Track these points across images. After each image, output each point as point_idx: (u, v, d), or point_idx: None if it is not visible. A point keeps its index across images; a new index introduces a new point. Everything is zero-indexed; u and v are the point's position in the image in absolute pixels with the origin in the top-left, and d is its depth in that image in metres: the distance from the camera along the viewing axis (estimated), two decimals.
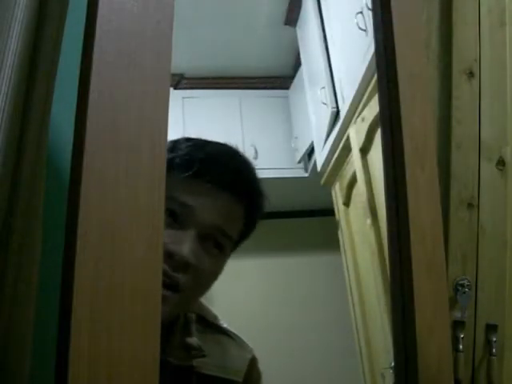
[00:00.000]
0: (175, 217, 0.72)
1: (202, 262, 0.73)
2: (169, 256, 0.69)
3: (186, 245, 0.71)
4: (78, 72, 0.55)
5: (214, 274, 0.77)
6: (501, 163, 0.98)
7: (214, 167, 0.76)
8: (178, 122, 2.73)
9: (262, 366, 0.89)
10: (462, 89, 0.99)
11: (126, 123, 0.53)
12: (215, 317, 0.87)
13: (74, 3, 0.67)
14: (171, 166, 0.74)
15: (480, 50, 1.01)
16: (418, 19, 0.79)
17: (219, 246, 0.76)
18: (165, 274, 0.68)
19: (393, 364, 0.73)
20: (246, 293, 2.95)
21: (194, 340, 0.80)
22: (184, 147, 0.77)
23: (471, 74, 1.00)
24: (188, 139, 0.81)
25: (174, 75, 2.87)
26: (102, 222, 0.50)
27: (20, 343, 0.56)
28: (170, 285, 0.70)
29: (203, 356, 0.79)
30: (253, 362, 0.88)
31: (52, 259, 0.60)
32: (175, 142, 0.79)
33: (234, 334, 0.88)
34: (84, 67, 0.54)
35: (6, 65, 0.55)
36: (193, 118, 2.83)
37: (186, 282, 0.71)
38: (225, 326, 0.87)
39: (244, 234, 0.80)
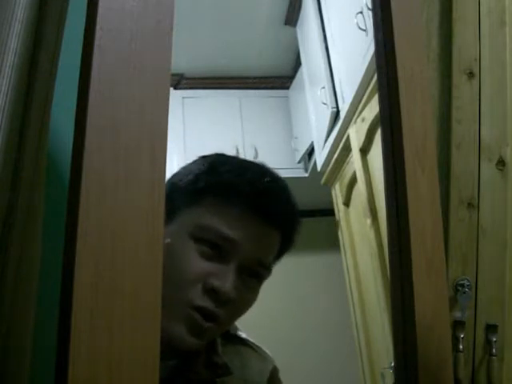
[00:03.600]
0: (217, 249, 0.71)
1: (241, 295, 0.72)
2: (212, 291, 0.69)
3: (228, 280, 0.70)
4: (78, 72, 0.55)
5: (250, 303, 0.76)
6: (501, 163, 0.98)
7: (257, 197, 0.73)
8: (177, 122, 2.73)
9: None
10: (462, 89, 0.99)
11: (126, 123, 0.53)
12: (236, 328, 0.87)
13: (74, 3, 0.67)
14: (210, 190, 0.73)
15: (480, 50, 1.01)
16: (418, 19, 0.79)
17: (257, 276, 0.75)
18: (207, 309, 0.69)
19: (393, 364, 0.73)
20: None
21: (220, 358, 0.79)
22: (224, 171, 0.75)
23: (471, 74, 1.00)
24: (224, 160, 0.78)
25: (173, 75, 2.86)
26: (102, 223, 0.50)
27: (20, 344, 0.56)
28: (210, 317, 0.70)
29: (229, 374, 0.78)
30: (273, 373, 0.88)
31: (52, 259, 0.60)
32: (212, 163, 0.77)
33: (254, 344, 0.87)
34: (84, 67, 0.54)
35: (5, 64, 0.55)
36: (193, 118, 2.83)
37: (224, 314, 0.71)
38: (244, 336, 0.87)
39: (278, 257, 0.80)
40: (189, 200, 0.73)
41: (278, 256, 0.79)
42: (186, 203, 0.73)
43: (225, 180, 0.73)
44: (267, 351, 0.89)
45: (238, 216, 0.72)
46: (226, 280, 0.70)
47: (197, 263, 0.70)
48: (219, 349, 0.80)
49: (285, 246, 0.79)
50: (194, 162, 0.80)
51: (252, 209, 0.72)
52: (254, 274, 0.74)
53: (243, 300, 0.74)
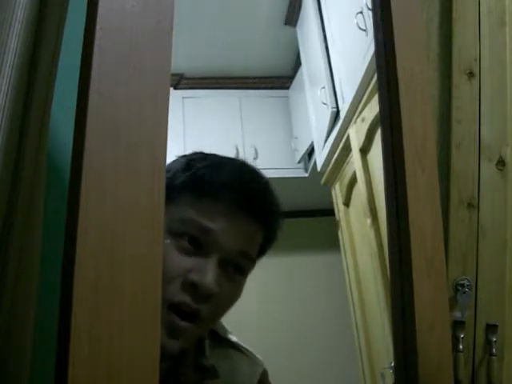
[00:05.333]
0: (197, 243, 0.69)
1: (224, 289, 0.70)
2: (191, 286, 0.67)
3: (209, 274, 0.67)
4: (78, 72, 0.55)
5: (234, 299, 0.74)
6: (501, 163, 0.98)
7: (236, 190, 0.72)
8: (177, 122, 2.73)
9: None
10: (462, 89, 0.99)
11: (126, 123, 0.53)
12: (226, 331, 0.85)
13: (74, 3, 0.67)
14: (187, 186, 0.71)
15: (480, 50, 1.01)
16: (418, 19, 0.79)
17: (240, 269, 0.73)
18: (186, 305, 0.67)
19: (393, 364, 0.73)
20: (245, 292, 2.94)
21: (207, 361, 0.77)
22: (201, 167, 0.73)
23: (471, 74, 1.00)
24: (203, 157, 0.77)
25: (173, 75, 2.86)
26: (102, 222, 0.50)
27: (20, 343, 0.56)
28: (190, 315, 0.68)
29: (217, 377, 0.77)
30: (263, 376, 0.86)
31: (52, 259, 0.60)
32: (190, 160, 0.76)
33: (244, 348, 0.86)
34: (84, 67, 0.54)
35: (5, 64, 0.55)
36: (193, 118, 2.83)
37: (206, 311, 0.69)
38: (235, 339, 0.86)
39: (262, 251, 0.78)
40: (167, 197, 0.71)
41: (261, 251, 0.77)
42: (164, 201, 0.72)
43: (202, 175, 0.72)
44: (257, 355, 0.88)
45: (217, 209, 0.70)
46: (206, 274, 0.67)
47: (175, 259, 0.68)
48: (207, 351, 0.78)
49: (267, 240, 0.77)
50: (174, 161, 0.78)
51: (231, 202, 0.71)
52: (237, 267, 0.72)
53: (226, 294, 0.71)
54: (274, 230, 0.78)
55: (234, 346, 0.85)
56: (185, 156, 0.79)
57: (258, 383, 0.85)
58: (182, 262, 0.68)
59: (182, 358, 0.74)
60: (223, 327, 0.85)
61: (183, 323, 0.67)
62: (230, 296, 0.73)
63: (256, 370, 0.86)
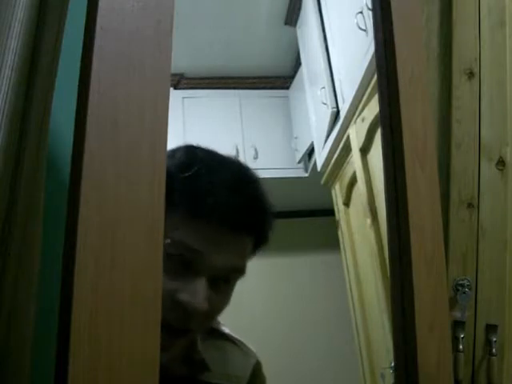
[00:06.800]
0: (184, 264, 0.67)
1: (214, 302, 0.69)
2: (180, 307, 0.66)
3: (199, 294, 0.66)
4: (78, 72, 0.55)
5: (225, 306, 0.74)
6: (501, 163, 0.98)
7: (226, 209, 0.68)
8: (178, 122, 2.73)
9: (262, 365, 0.89)
10: (462, 89, 0.99)
11: (126, 123, 0.53)
12: (218, 322, 0.85)
13: (74, 3, 0.67)
14: (174, 206, 0.65)
15: (480, 50, 1.01)
16: (418, 19, 0.79)
17: (230, 281, 0.72)
18: (176, 321, 0.66)
19: (393, 364, 0.73)
20: (245, 292, 2.94)
21: (198, 355, 0.77)
22: (187, 183, 0.68)
23: (471, 74, 1.00)
24: (189, 165, 0.70)
25: (173, 75, 2.87)
26: (102, 222, 0.50)
27: (20, 343, 0.56)
28: (178, 331, 0.67)
29: (207, 371, 0.77)
30: (256, 367, 0.86)
31: (52, 259, 0.60)
32: (176, 167, 0.69)
33: (237, 339, 0.86)
34: (84, 67, 0.54)
35: (5, 65, 0.55)
36: (193, 118, 2.83)
37: (197, 325, 0.69)
38: (227, 331, 0.85)
39: (253, 253, 0.76)
40: None
41: (253, 252, 0.76)
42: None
43: (189, 199, 0.68)
44: (250, 346, 0.88)
45: (207, 229, 0.68)
46: (196, 294, 0.66)
47: (164, 279, 0.67)
48: (198, 345, 0.78)
49: (259, 244, 0.76)
50: None
51: (221, 221, 0.68)
52: (227, 280, 0.72)
53: (216, 306, 0.71)
54: (265, 235, 0.76)
55: (226, 338, 0.85)
56: (172, 153, 0.73)
57: (251, 375, 0.85)
58: (171, 282, 0.66)
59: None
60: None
61: (173, 339, 0.67)
62: (220, 306, 0.73)
63: (249, 362, 0.86)
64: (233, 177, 0.74)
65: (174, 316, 0.66)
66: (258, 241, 0.75)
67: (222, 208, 0.68)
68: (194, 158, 0.73)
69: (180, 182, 0.68)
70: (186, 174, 0.69)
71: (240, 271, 0.73)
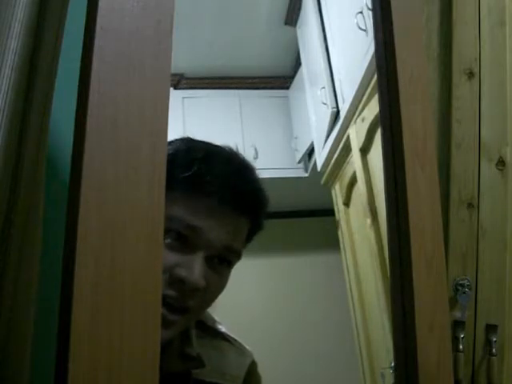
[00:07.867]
0: (182, 239, 0.69)
1: (210, 282, 0.71)
2: (178, 282, 0.67)
3: (195, 270, 0.68)
4: (78, 72, 0.55)
5: (221, 290, 0.75)
6: (501, 163, 0.98)
7: (223, 187, 0.71)
8: (177, 122, 2.73)
9: (262, 365, 0.89)
10: (462, 89, 0.99)
11: (126, 123, 0.53)
12: (214, 321, 0.86)
13: (74, 3, 0.67)
14: (173, 184, 0.68)
15: (480, 50, 1.01)
16: (418, 19, 0.79)
17: (226, 261, 0.74)
18: (173, 299, 0.68)
19: (393, 364, 0.73)
20: (245, 292, 2.95)
21: (193, 350, 0.78)
22: (186, 162, 0.72)
23: (471, 74, 1.00)
24: (188, 149, 0.75)
25: (173, 75, 2.87)
26: (102, 222, 0.50)
27: (20, 343, 0.56)
28: (178, 309, 0.69)
29: (202, 366, 0.77)
30: (252, 366, 0.87)
31: (52, 259, 0.60)
32: (175, 152, 0.73)
33: (233, 338, 0.87)
34: (84, 67, 0.54)
35: (5, 65, 0.55)
36: (193, 118, 2.83)
37: (194, 304, 0.70)
38: (223, 330, 0.86)
39: (248, 239, 0.78)
40: None
41: (248, 239, 0.78)
42: None
43: (189, 175, 0.71)
44: (246, 345, 0.88)
45: (205, 206, 0.70)
46: (193, 270, 0.68)
47: (163, 255, 0.69)
48: (193, 341, 0.79)
49: (254, 229, 0.78)
50: None
51: (219, 199, 0.71)
52: (223, 260, 0.73)
53: (213, 287, 0.72)
54: (260, 219, 0.79)
55: (223, 336, 0.85)
56: (170, 144, 0.76)
57: (246, 374, 0.85)
58: (169, 257, 0.68)
59: (167, 347, 0.75)
60: (211, 317, 0.86)
61: (172, 316, 0.68)
62: (217, 287, 0.74)
63: (244, 361, 0.86)
64: (233, 161, 0.78)
65: (172, 293, 0.68)
66: (254, 226, 0.77)
67: (223, 187, 0.71)
68: (193, 144, 0.77)
69: (182, 163, 0.71)
70: (188, 158, 0.72)
71: (236, 253, 0.74)
